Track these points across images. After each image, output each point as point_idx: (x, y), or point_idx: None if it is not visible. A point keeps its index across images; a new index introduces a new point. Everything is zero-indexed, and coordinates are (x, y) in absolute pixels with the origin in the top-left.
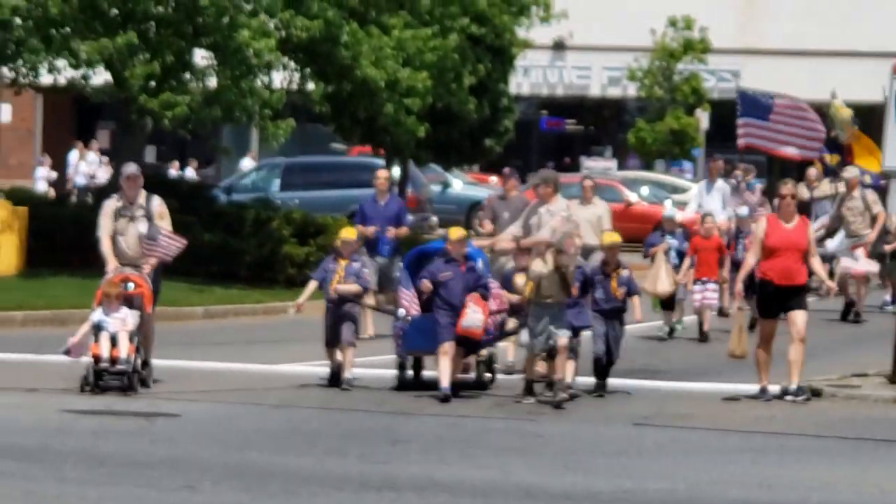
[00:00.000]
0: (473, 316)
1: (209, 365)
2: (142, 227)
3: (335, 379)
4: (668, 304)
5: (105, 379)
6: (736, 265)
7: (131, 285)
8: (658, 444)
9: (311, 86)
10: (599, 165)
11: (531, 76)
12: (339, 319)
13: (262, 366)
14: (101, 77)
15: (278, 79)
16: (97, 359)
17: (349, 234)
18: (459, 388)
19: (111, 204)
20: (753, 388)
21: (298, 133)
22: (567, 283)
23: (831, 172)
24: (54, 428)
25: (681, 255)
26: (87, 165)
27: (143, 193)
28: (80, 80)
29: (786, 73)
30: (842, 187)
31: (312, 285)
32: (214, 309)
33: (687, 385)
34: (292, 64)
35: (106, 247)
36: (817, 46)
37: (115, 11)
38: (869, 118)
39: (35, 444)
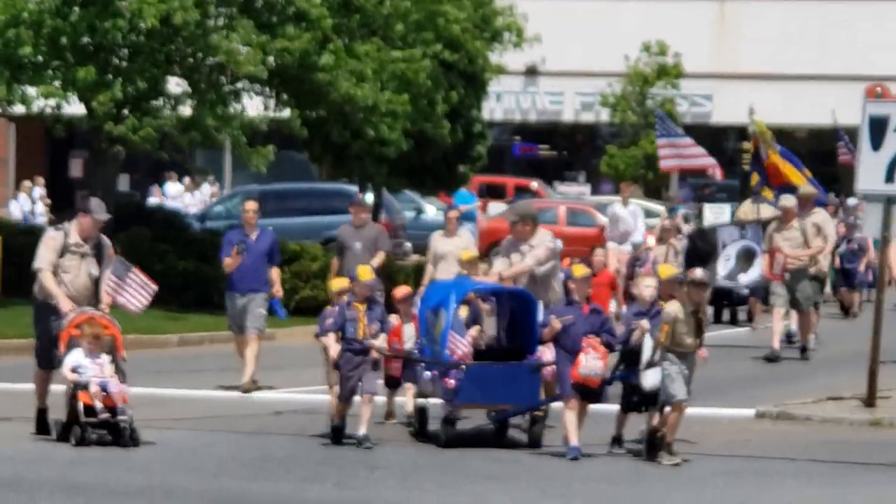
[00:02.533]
0: (591, 363)
1: (184, 392)
2: (93, 267)
3: (338, 435)
4: None
5: (95, 432)
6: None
7: None
8: (636, 470)
9: (287, 111)
10: (573, 191)
11: (504, 102)
12: (359, 368)
13: (237, 393)
14: (74, 107)
15: (252, 106)
16: (89, 409)
17: (366, 274)
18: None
19: (57, 237)
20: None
21: (273, 160)
22: (701, 328)
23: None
24: (30, 457)
25: None
26: (26, 202)
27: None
28: (52, 110)
29: (759, 97)
30: (767, 212)
31: (332, 338)
32: (189, 336)
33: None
34: (267, 90)
35: (53, 283)
36: (791, 70)
37: (85, 40)
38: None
39: (10, 474)
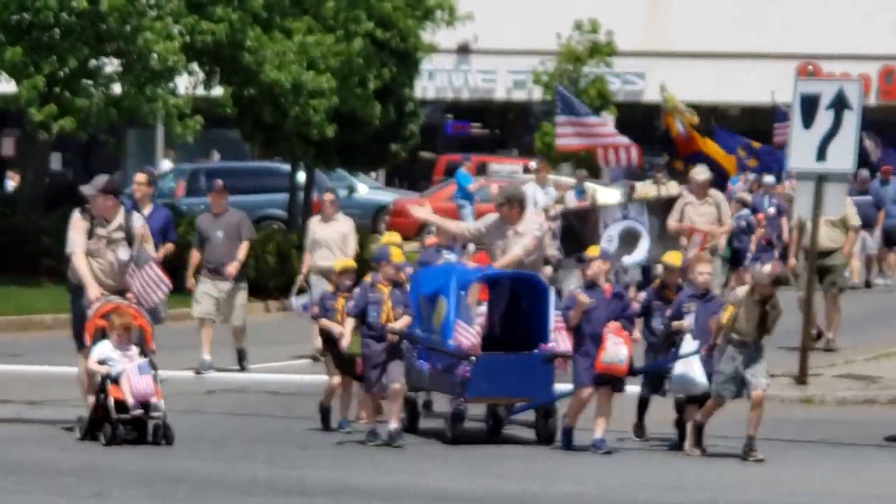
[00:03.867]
0: (615, 349)
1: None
2: (122, 252)
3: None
4: None
5: (126, 429)
6: None
7: None
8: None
9: (217, 90)
10: (505, 169)
11: (436, 80)
12: (387, 357)
13: (169, 372)
14: (4, 85)
15: (183, 84)
16: (120, 405)
17: (396, 256)
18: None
19: (81, 218)
20: None
21: (203, 138)
22: (766, 322)
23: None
24: None
25: None
26: None
27: (121, 210)
28: None
29: (692, 75)
30: (674, 189)
31: (351, 323)
32: None
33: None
34: (197, 68)
35: (86, 268)
36: (723, 48)
37: (15, 18)
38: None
39: None
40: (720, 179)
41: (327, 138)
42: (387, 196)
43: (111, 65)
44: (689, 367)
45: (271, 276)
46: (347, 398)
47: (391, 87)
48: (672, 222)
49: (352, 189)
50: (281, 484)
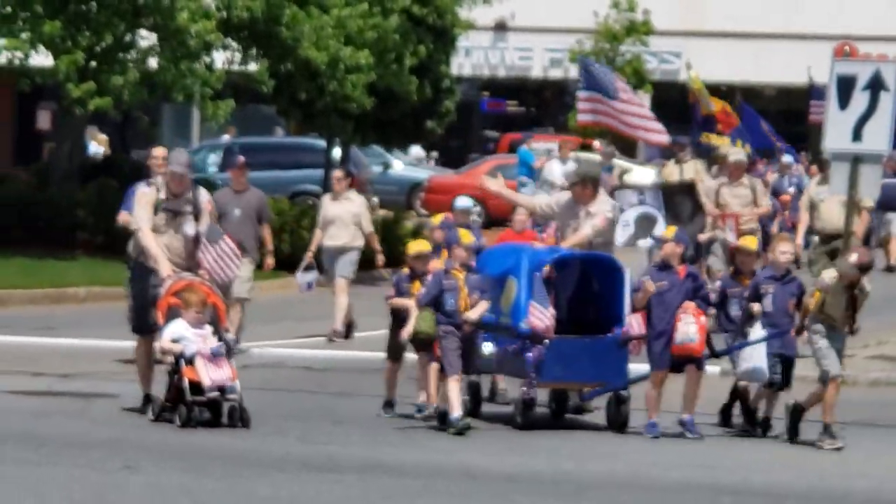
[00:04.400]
0: (685, 328)
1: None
2: (189, 227)
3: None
4: None
5: (201, 411)
6: None
7: None
8: (599, 426)
9: (253, 66)
10: (541, 147)
11: (472, 57)
12: (466, 345)
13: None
14: (42, 58)
15: (220, 59)
16: (195, 387)
17: (466, 237)
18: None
19: (149, 193)
20: None
21: (239, 114)
22: (855, 306)
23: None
24: None
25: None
26: None
27: (190, 184)
28: (20, 62)
29: (728, 55)
30: (689, 173)
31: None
32: None
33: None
34: (234, 44)
35: (154, 243)
36: (759, 28)
37: None
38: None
39: None
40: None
41: (364, 114)
42: (422, 173)
43: (148, 39)
44: (758, 354)
45: (305, 251)
46: (425, 380)
47: (427, 64)
48: (710, 206)
49: (387, 165)
50: (313, 460)
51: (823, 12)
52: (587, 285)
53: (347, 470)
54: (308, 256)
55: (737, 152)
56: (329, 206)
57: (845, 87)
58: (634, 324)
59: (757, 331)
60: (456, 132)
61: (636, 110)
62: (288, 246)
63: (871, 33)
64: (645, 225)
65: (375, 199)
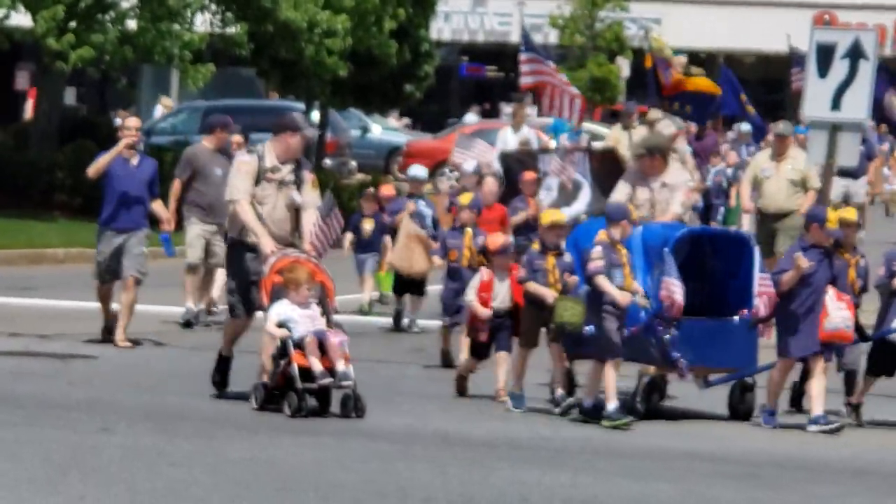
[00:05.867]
0: (839, 314)
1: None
2: (295, 195)
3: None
4: (414, 287)
5: (311, 398)
6: None
7: None
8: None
9: (232, 28)
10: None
11: (452, 22)
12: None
13: (179, 308)
14: (21, 18)
15: (199, 21)
16: (306, 372)
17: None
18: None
19: (251, 162)
20: None
21: (218, 77)
22: None
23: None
24: None
25: (435, 223)
26: None
27: None
28: None
29: (707, 22)
30: (636, 135)
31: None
32: None
33: None
34: (213, 6)
35: (254, 217)
36: None
37: None
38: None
39: None
40: (758, 133)
41: (343, 78)
42: (400, 137)
43: (126, 1)
44: None
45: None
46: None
47: (407, 28)
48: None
49: (365, 129)
50: (288, 423)
51: None
52: (699, 263)
53: (323, 433)
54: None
55: (667, 124)
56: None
57: (825, 55)
58: (762, 305)
59: None
60: (435, 97)
61: (561, 77)
62: None
63: (851, 1)
64: (569, 191)
65: (353, 163)
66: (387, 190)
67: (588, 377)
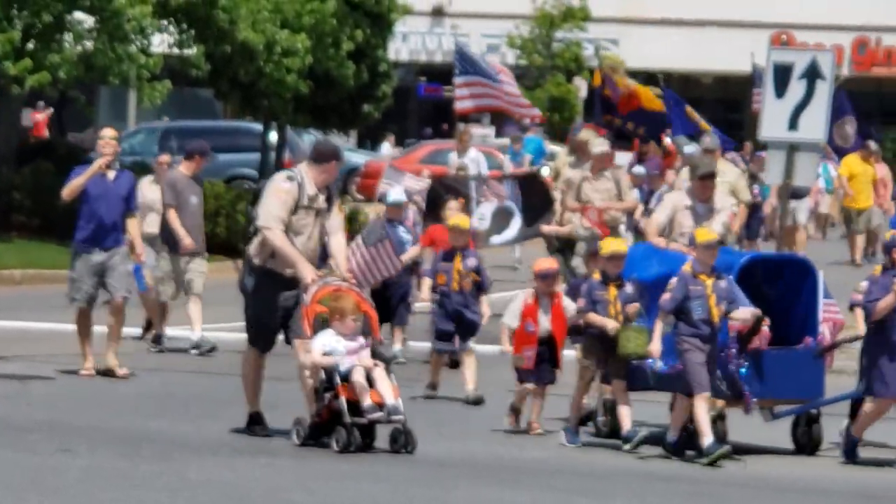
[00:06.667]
0: None
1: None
2: (325, 223)
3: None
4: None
5: (359, 434)
6: None
7: None
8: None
9: (191, 49)
10: (477, 132)
11: (410, 42)
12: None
13: (138, 329)
14: None
15: (157, 42)
16: (355, 406)
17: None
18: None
19: (292, 190)
20: None
21: (177, 98)
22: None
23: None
24: None
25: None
26: None
27: None
28: None
29: (666, 42)
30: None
31: (610, 325)
32: None
33: None
34: (171, 27)
35: (291, 246)
36: (697, 16)
37: None
38: (745, 88)
39: None
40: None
41: (301, 98)
42: (359, 157)
43: (86, 22)
44: None
45: (241, 235)
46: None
47: (364, 49)
48: (570, 201)
49: None
50: (247, 445)
51: (762, 1)
52: (753, 289)
53: (281, 454)
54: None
55: (601, 143)
56: (149, 191)
57: (782, 75)
58: (827, 333)
59: None
60: (393, 117)
61: (512, 90)
62: (224, 230)
63: (809, 22)
64: (501, 219)
65: None
66: None
67: (674, 412)
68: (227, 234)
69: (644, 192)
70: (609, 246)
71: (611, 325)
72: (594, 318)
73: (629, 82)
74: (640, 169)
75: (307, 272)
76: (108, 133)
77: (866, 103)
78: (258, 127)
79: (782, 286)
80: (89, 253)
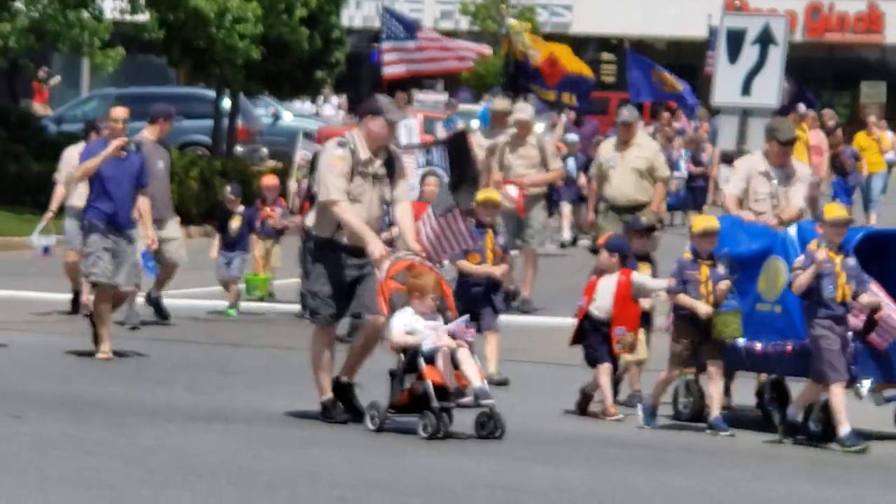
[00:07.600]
0: None
1: (38, 295)
2: (386, 191)
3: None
4: None
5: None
6: None
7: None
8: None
9: (143, 15)
10: (430, 99)
11: (363, 9)
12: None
13: (58, 295)
14: None
15: (109, 8)
16: (442, 390)
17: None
18: None
19: (345, 156)
20: None
21: (130, 64)
22: None
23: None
24: None
25: None
26: None
27: None
28: None
29: (618, 7)
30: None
31: (704, 309)
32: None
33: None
34: None
35: (357, 219)
36: None
37: None
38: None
39: None
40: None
41: (254, 65)
42: (312, 124)
43: None
44: None
45: (194, 202)
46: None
47: (318, 16)
48: (495, 171)
49: (276, 116)
50: (199, 410)
51: None
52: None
53: (234, 420)
54: (48, 217)
55: (522, 109)
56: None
57: (735, 40)
58: (893, 312)
59: None
60: (346, 83)
61: (451, 43)
62: (176, 196)
63: None
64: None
65: (265, 150)
66: (269, 180)
67: (802, 396)
68: (178, 200)
69: (580, 159)
70: (701, 223)
71: (703, 309)
72: (685, 299)
73: (540, 43)
74: (573, 136)
75: (377, 247)
76: (118, 114)
77: (819, 69)
78: (211, 93)
79: (893, 264)
80: (102, 233)
